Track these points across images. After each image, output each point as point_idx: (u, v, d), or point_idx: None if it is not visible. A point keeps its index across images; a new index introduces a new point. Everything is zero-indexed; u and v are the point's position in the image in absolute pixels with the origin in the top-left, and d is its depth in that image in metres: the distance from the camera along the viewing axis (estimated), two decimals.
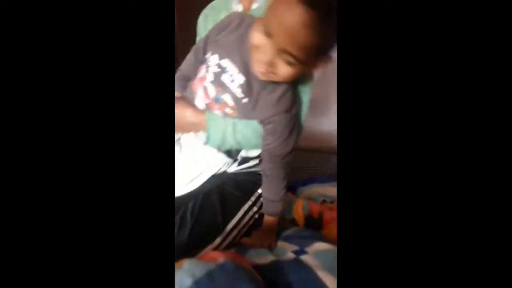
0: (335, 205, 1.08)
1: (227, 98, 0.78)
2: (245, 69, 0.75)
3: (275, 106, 0.75)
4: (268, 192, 0.83)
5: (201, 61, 0.83)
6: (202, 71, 0.82)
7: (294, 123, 0.78)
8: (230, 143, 0.83)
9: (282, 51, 0.62)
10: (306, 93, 0.83)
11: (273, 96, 0.75)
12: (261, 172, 0.84)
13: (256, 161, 0.94)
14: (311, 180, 1.35)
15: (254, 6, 0.90)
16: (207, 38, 0.83)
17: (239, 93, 0.76)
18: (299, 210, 1.00)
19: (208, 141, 0.83)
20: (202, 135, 0.83)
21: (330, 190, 1.22)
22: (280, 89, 0.75)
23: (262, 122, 0.78)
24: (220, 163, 0.89)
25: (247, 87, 0.76)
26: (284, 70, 0.66)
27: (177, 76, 0.89)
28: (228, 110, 0.80)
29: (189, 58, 0.88)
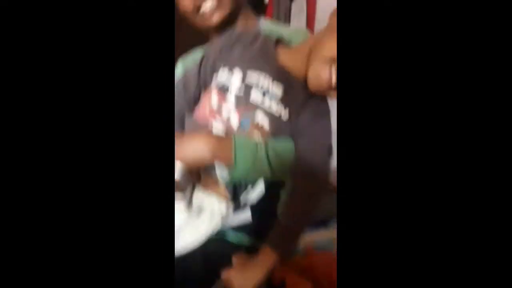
0: (303, 258, 0.92)
1: (259, 117, 0.66)
2: (282, 76, 0.67)
3: (319, 112, 0.68)
4: (286, 216, 0.66)
5: (203, 85, 0.71)
6: (213, 98, 0.68)
7: (331, 138, 0.67)
8: (260, 168, 0.65)
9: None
10: None
11: (316, 101, 0.67)
12: (240, 242, 0.68)
13: (248, 214, 0.73)
14: None
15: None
16: (205, 61, 0.71)
17: (276, 106, 0.66)
18: None
19: (235, 172, 0.65)
20: (220, 168, 0.66)
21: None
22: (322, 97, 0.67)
23: (300, 133, 0.67)
24: (222, 214, 0.70)
25: (288, 96, 0.67)
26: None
27: (176, 115, 0.72)
28: (256, 133, 0.66)
29: (179, 93, 0.72)
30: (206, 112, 0.69)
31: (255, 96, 0.66)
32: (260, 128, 0.66)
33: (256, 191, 0.72)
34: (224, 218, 0.69)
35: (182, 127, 0.72)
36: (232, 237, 0.72)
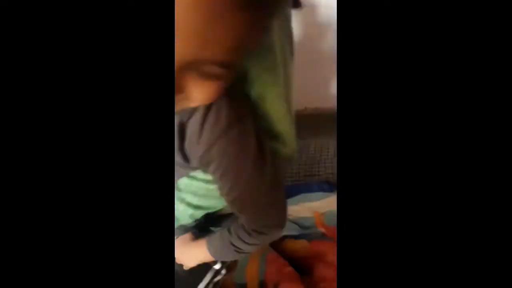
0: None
1: None
2: None
3: (202, 132, 0.44)
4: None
5: None
6: None
7: (250, 142, 0.46)
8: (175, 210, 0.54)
9: (196, 62, 0.34)
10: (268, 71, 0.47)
11: (196, 119, 0.44)
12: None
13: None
14: (298, 188, 1.06)
15: None
16: None
17: None
18: (253, 271, 0.77)
19: None
20: None
21: (324, 203, 0.98)
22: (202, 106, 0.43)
23: (200, 166, 0.48)
24: None
25: None
26: (205, 90, 0.37)
27: None
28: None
29: None
30: None
31: None
32: None
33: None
34: None
35: None
36: None
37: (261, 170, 0.47)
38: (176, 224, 0.55)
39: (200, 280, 0.58)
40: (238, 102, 0.45)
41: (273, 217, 0.52)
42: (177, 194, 0.53)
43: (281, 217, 0.53)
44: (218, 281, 0.60)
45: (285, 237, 0.93)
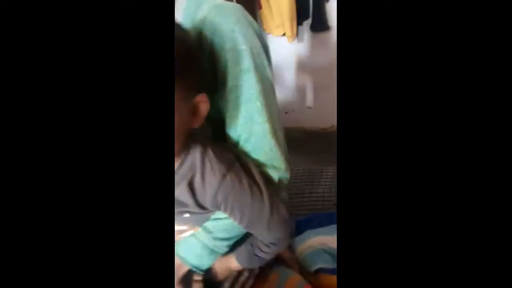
0: None
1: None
2: None
3: (204, 185, 0.57)
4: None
5: None
6: None
7: (243, 181, 0.58)
8: (214, 247, 0.65)
9: None
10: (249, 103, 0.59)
11: (198, 175, 0.57)
12: None
13: None
14: (306, 223, 1.00)
15: None
16: None
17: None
18: None
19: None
20: None
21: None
22: (192, 158, 0.57)
23: (214, 209, 0.61)
24: None
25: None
26: None
27: None
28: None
29: None
30: None
31: None
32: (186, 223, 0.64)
33: None
34: None
35: None
36: None
37: (259, 199, 0.59)
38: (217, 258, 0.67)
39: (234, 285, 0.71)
40: (223, 152, 0.59)
41: (281, 231, 0.64)
42: (210, 235, 0.64)
43: (287, 231, 0.65)
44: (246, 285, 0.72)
45: (320, 269, 0.86)
